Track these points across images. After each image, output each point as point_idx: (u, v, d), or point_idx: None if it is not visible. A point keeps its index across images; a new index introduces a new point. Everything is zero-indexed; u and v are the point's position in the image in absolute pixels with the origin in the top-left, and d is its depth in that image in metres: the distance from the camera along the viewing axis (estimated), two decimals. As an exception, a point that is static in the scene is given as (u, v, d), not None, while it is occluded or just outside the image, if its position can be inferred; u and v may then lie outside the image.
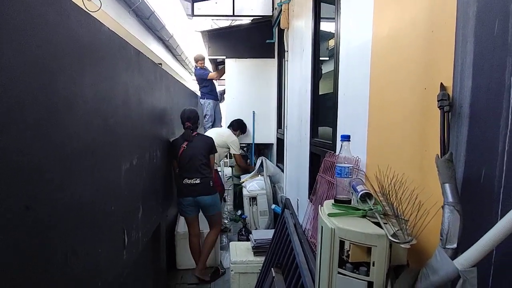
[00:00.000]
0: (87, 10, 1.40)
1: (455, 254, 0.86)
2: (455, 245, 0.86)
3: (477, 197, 0.91)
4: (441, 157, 0.96)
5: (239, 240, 3.67)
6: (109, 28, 1.48)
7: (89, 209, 1.27)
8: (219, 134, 4.24)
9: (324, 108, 2.71)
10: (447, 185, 0.91)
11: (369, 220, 1.03)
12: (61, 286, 1.08)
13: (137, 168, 1.94)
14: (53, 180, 1.02)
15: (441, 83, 1.04)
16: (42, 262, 0.98)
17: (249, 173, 4.79)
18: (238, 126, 4.84)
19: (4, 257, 0.80)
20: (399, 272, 0.96)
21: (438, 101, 1.02)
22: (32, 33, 0.91)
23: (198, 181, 3.09)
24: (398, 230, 0.95)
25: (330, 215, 1.06)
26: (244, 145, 6.12)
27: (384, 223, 0.98)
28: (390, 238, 0.90)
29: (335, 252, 0.99)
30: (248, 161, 5.43)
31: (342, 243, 0.99)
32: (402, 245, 0.90)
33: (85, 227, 1.24)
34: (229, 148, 4.35)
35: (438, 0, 1.09)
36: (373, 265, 0.93)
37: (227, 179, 6.60)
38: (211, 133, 4.29)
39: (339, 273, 0.98)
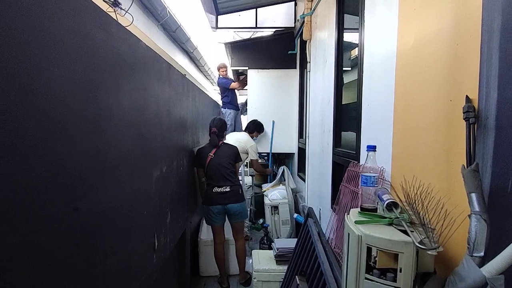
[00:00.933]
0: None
1: (482, 262, 0.87)
2: (482, 253, 0.88)
3: (505, 206, 0.93)
4: (467, 168, 0.98)
5: (261, 248, 3.70)
6: (145, 44, 1.58)
7: (126, 212, 1.35)
8: (238, 140, 4.25)
9: (347, 118, 2.73)
10: (473, 195, 0.93)
11: (395, 228, 1.06)
12: (100, 283, 1.16)
13: (166, 175, 2.03)
14: (97, 184, 1.10)
15: (467, 96, 1.06)
16: (86, 260, 1.05)
17: (266, 175, 4.76)
18: (254, 128, 4.79)
19: (55, 253, 0.88)
20: (426, 279, 0.98)
21: (463, 113, 1.05)
22: (82, 51, 1.00)
23: (228, 189, 3.16)
24: (424, 238, 0.97)
25: (357, 222, 1.09)
26: (265, 154, 6.18)
27: (411, 231, 1.01)
28: (417, 245, 0.92)
29: (362, 258, 1.02)
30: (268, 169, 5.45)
31: (369, 250, 1.02)
32: (429, 252, 0.92)
33: (122, 229, 1.32)
34: (248, 154, 4.36)
35: (463, 14, 1.12)
36: (400, 271, 0.96)
37: (247, 188, 6.65)
38: (230, 138, 4.35)
39: (366, 278, 1.01)
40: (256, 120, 4.96)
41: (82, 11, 1.00)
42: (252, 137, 4.62)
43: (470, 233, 0.91)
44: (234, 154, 3.32)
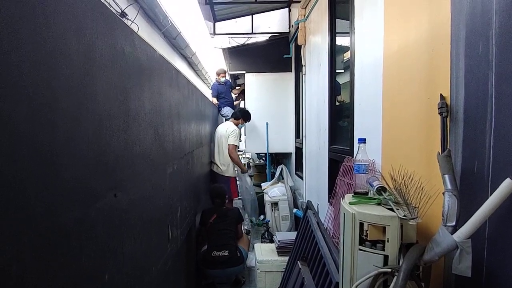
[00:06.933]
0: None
1: (454, 230, 1.06)
2: (454, 223, 1.07)
3: (472, 184, 1.12)
4: (441, 154, 1.18)
5: (262, 243, 3.88)
6: (159, 53, 1.76)
7: (148, 203, 1.53)
8: (224, 128, 4.63)
9: (341, 118, 2.93)
10: (446, 176, 1.13)
11: (383, 207, 1.25)
12: (129, 262, 1.33)
13: (177, 172, 2.21)
14: (128, 175, 1.28)
15: (441, 94, 1.26)
16: (120, 243, 1.23)
17: (242, 172, 4.74)
18: (241, 115, 4.82)
19: (98, 230, 1.06)
20: (410, 248, 1.17)
21: (438, 108, 1.24)
22: (116, 63, 1.19)
23: (226, 253, 3.26)
24: (407, 213, 1.16)
25: (351, 203, 1.28)
26: (262, 154, 6.37)
27: (396, 209, 1.20)
28: (401, 217, 1.12)
29: (356, 233, 1.21)
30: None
31: (361, 225, 1.21)
32: (410, 222, 1.11)
33: (145, 218, 1.50)
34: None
35: (436, 25, 1.32)
36: (388, 242, 1.15)
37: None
38: (220, 128, 4.71)
39: (360, 249, 1.20)
40: (244, 108, 5.23)
41: (116, 28, 1.19)
42: (237, 124, 4.72)
43: (444, 207, 1.10)
44: (235, 216, 3.52)
